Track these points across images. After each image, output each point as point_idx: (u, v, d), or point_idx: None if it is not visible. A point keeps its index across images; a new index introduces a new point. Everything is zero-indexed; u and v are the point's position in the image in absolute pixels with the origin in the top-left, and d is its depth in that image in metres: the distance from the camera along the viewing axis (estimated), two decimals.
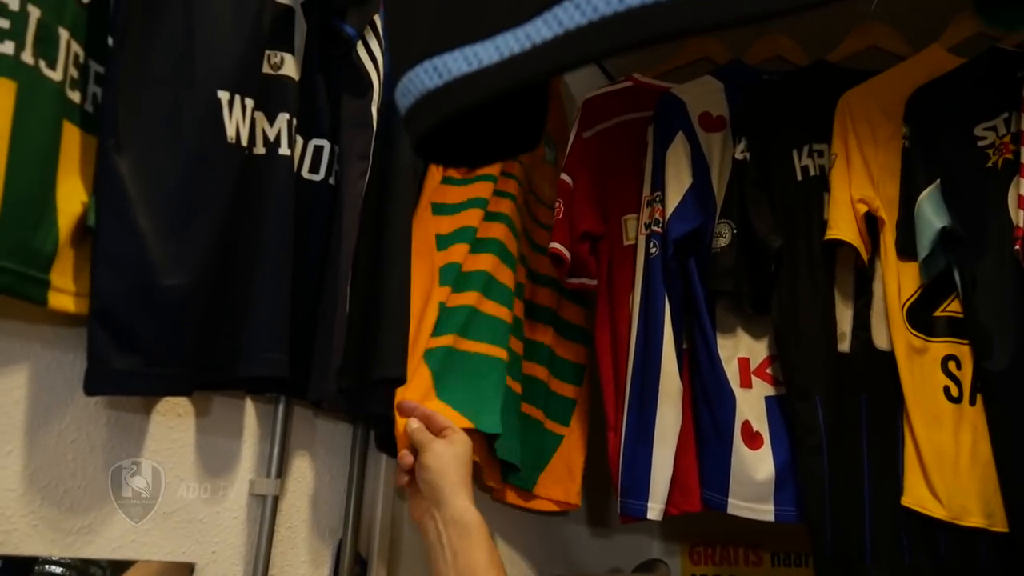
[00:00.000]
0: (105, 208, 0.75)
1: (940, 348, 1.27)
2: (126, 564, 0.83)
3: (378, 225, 1.07)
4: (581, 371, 1.55)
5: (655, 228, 1.39)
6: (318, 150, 1.01)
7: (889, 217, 1.32)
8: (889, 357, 1.29)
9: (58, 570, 0.77)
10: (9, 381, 0.75)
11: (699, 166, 1.42)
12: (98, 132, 0.77)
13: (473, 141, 0.45)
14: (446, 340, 1.15)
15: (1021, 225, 1.19)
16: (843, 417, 1.29)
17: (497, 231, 1.30)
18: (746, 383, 1.37)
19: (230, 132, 0.85)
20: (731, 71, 1.52)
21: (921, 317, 1.28)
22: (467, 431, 0.98)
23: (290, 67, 0.96)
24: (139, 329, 0.76)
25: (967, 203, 1.27)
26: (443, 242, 1.21)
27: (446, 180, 1.24)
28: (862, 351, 1.32)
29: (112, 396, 0.82)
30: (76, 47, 0.76)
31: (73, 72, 0.76)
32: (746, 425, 1.33)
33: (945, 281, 1.28)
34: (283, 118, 0.94)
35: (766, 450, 1.32)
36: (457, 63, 0.38)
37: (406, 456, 0.96)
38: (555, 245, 1.42)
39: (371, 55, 1.06)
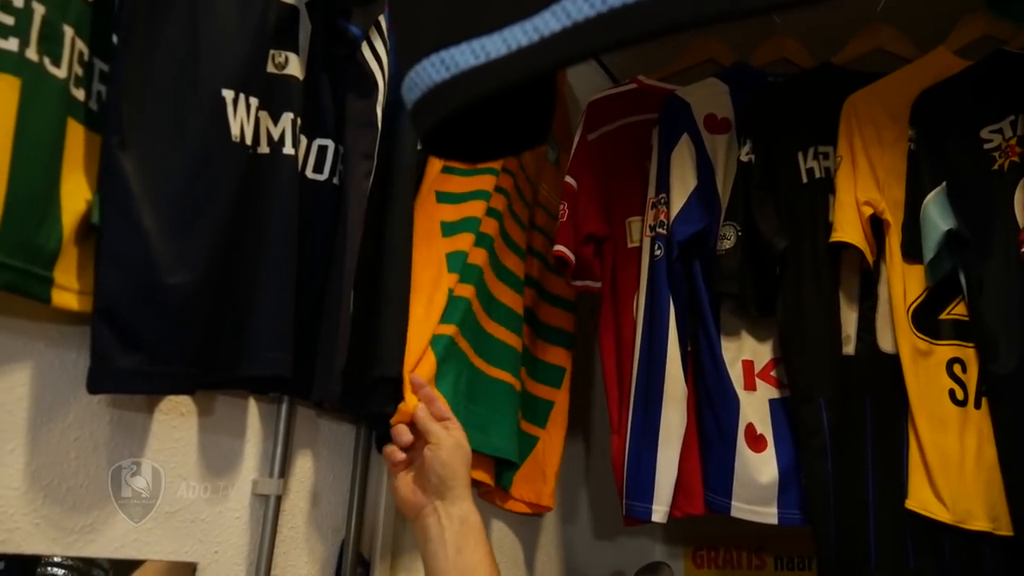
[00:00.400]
0: (109, 206, 0.75)
1: (945, 351, 1.27)
2: (128, 564, 0.82)
3: (379, 225, 1.07)
4: (561, 374, 1.53)
5: (660, 230, 1.39)
6: (322, 150, 1.01)
7: (895, 219, 1.31)
8: (894, 360, 1.28)
9: (60, 572, 0.76)
10: (12, 379, 0.74)
11: (704, 168, 1.42)
12: (102, 130, 0.77)
13: (481, 135, 0.45)
14: (451, 329, 1.15)
15: None
16: (848, 420, 1.29)
17: (491, 228, 1.29)
18: (750, 386, 1.36)
19: (234, 131, 0.85)
20: (736, 73, 1.52)
21: (926, 320, 1.28)
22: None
23: (295, 66, 0.96)
24: (143, 327, 0.75)
25: (973, 206, 1.26)
26: (449, 229, 1.20)
27: (447, 169, 1.24)
28: (867, 354, 1.32)
29: (115, 395, 0.82)
30: (81, 44, 0.76)
31: (78, 69, 0.76)
32: (750, 428, 1.33)
33: (951, 284, 1.28)
34: (287, 117, 0.94)
35: (770, 453, 1.32)
36: (464, 56, 0.38)
37: (404, 433, 0.96)
38: (559, 247, 1.42)
39: (376, 55, 1.05)
